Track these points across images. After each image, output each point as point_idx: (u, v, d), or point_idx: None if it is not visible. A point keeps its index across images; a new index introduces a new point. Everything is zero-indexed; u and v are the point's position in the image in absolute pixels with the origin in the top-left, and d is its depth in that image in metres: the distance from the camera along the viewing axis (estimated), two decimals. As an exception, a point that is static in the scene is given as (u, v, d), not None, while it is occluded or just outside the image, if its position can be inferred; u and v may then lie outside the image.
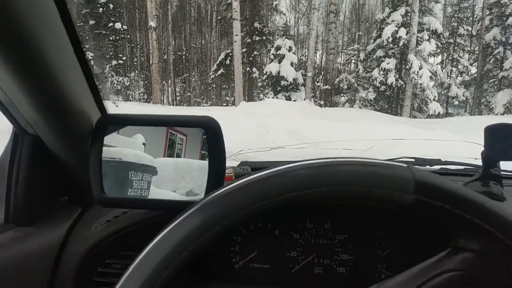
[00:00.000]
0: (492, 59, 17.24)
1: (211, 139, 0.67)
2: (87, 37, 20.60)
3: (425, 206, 0.44)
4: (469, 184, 0.82)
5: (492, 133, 0.79)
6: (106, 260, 0.79)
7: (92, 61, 20.45)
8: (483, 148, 0.82)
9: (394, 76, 14.83)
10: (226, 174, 0.91)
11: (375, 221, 0.79)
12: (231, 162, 1.30)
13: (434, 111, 14.44)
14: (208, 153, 0.68)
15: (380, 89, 15.58)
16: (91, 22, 20.28)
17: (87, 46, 20.58)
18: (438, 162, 1.20)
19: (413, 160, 1.21)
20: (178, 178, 0.75)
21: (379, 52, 15.55)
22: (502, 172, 0.93)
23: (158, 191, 0.77)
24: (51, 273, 0.76)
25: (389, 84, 14.86)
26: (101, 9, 20.33)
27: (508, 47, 16.33)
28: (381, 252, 0.79)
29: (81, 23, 19.63)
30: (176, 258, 0.41)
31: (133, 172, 0.75)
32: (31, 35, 0.50)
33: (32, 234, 0.74)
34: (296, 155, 1.94)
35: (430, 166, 1.18)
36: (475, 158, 1.36)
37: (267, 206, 0.43)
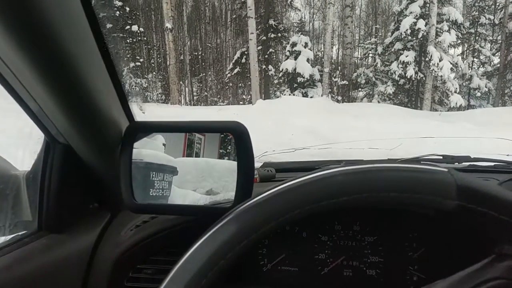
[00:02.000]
0: (516, 48, 16.73)
1: (240, 144, 0.67)
2: (105, 41, 20.97)
3: (468, 212, 0.43)
4: (505, 184, 0.80)
5: None
6: (137, 265, 0.80)
7: (110, 64, 20.84)
8: None
9: (414, 69, 14.56)
10: None
11: (405, 223, 0.77)
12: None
13: (456, 103, 14.11)
14: (237, 158, 0.67)
15: (399, 83, 15.33)
16: (108, 25, 20.63)
17: (105, 49, 20.95)
18: (467, 159, 1.17)
19: (442, 157, 1.19)
20: (198, 177, 0.76)
21: (398, 45, 15.27)
22: None
23: (179, 191, 0.78)
24: (84, 279, 0.77)
25: (409, 77, 14.60)
26: (117, 12, 20.68)
27: (533, 35, 15.81)
28: (413, 253, 0.77)
29: (99, 27, 20.03)
30: (214, 266, 0.41)
31: (154, 172, 0.76)
32: (62, 45, 0.51)
33: (64, 241, 0.75)
34: (321, 155, 1.91)
35: (458, 163, 1.16)
36: (507, 155, 1.29)
37: (306, 212, 0.43)
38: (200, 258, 0.41)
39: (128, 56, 22.84)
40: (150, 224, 0.82)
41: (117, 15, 20.62)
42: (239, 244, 0.42)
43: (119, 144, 0.72)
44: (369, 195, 0.42)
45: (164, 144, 0.76)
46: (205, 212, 0.72)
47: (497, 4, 20.29)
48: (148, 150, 0.77)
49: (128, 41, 22.09)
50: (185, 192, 0.80)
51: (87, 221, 0.82)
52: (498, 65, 17.75)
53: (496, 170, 1.06)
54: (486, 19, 17.93)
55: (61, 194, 0.74)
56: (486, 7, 18.96)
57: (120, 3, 20.55)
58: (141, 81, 22.71)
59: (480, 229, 0.46)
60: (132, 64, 22.38)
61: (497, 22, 18.36)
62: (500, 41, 17.93)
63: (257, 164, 1.20)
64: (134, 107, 0.79)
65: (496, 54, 18.37)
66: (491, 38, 19.53)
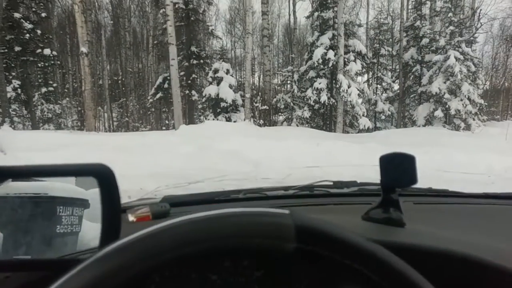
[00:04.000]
0: (412, 76, 18.96)
1: (104, 188, 0.61)
2: (12, 65, 19.44)
3: (307, 254, 0.44)
4: (371, 212, 0.87)
5: (386, 162, 0.81)
6: None
7: (19, 90, 19.34)
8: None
9: (326, 95, 15.58)
10: (143, 214, 0.93)
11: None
12: (153, 196, 1.27)
13: (364, 126, 15.41)
14: (101, 204, 0.61)
15: (315, 108, 16.29)
16: (17, 48, 19.20)
17: (13, 74, 19.42)
18: (354, 184, 1.27)
19: (332, 183, 1.27)
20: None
21: (311, 73, 16.31)
22: (415, 189, 1.04)
23: (91, 225, 0.73)
24: None
25: (322, 102, 15.57)
26: (27, 35, 19.34)
27: (424, 65, 18.15)
28: (298, 286, 0.75)
29: (5, 50, 18.53)
30: None
31: (61, 207, 0.70)
32: None
33: None
34: (216, 187, 2.02)
35: (347, 188, 1.25)
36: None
37: (150, 267, 0.42)
38: None
39: (40, 81, 21.37)
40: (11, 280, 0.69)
41: (27, 37, 19.29)
42: None
43: None
44: (213, 243, 0.43)
45: (76, 176, 0.71)
46: (62, 265, 0.65)
47: (394, 38, 23.05)
48: (54, 182, 0.72)
49: (39, 65, 20.70)
50: (97, 227, 0.73)
51: None
52: (398, 91, 19.90)
53: (379, 193, 1.16)
54: (385, 50, 20.16)
55: None
56: (385, 40, 21.42)
57: (30, 26, 19.31)
58: (54, 107, 21.31)
59: (321, 270, 0.47)
60: (44, 89, 20.95)
61: (394, 53, 20.79)
62: (398, 70, 20.22)
63: (157, 199, 1.16)
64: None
65: (395, 81, 20.57)
66: (390, 67, 22.02)
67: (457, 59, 15.41)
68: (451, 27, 16.38)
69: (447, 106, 15.70)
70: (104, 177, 0.61)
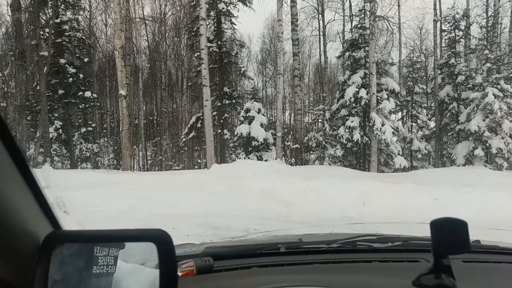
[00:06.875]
0: (448, 114, 18.41)
1: (162, 252, 0.63)
2: (55, 106, 20.62)
3: None
4: (421, 278, 0.85)
5: (437, 227, 0.81)
6: None
7: (60, 130, 20.38)
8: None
9: (359, 133, 15.44)
10: (187, 269, 0.95)
11: None
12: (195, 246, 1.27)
13: (400, 165, 14.95)
14: (159, 268, 0.63)
15: (347, 146, 16.12)
16: (60, 91, 20.41)
17: (56, 115, 20.54)
18: (398, 238, 1.24)
19: (375, 238, 1.26)
20: (147, 249, 0.70)
21: (343, 111, 16.28)
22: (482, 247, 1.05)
23: (126, 266, 0.74)
24: None
25: (355, 141, 15.40)
26: (70, 79, 20.60)
27: (461, 102, 17.62)
28: None
29: (50, 93, 19.72)
30: None
31: (98, 247, 0.71)
32: None
33: None
34: (259, 240, 2.00)
35: (391, 242, 1.22)
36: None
37: None
38: None
39: (80, 121, 22.47)
40: None
41: (70, 81, 20.53)
42: None
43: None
44: None
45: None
46: None
47: (428, 76, 22.72)
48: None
49: (80, 106, 21.87)
50: (132, 267, 0.75)
51: None
52: (434, 129, 19.35)
53: (426, 250, 1.10)
54: (419, 88, 19.85)
55: None
56: (419, 78, 21.14)
57: (73, 70, 20.61)
58: (92, 146, 22.19)
59: None
60: (83, 129, 21.95)
61: (429, 91, 20.39)
62: (434, 108, 19.75)
63: (198, 249, 1.17)
64: (58, 211, 0.73)
65: (431, 119, 20.04)
66: (425, 105, 21.54)
67: (495, 96, 14.90)
68: (488, 64, 15.97)
69: (487, 144, 15.02)
70: (162, 242, 0.63)
